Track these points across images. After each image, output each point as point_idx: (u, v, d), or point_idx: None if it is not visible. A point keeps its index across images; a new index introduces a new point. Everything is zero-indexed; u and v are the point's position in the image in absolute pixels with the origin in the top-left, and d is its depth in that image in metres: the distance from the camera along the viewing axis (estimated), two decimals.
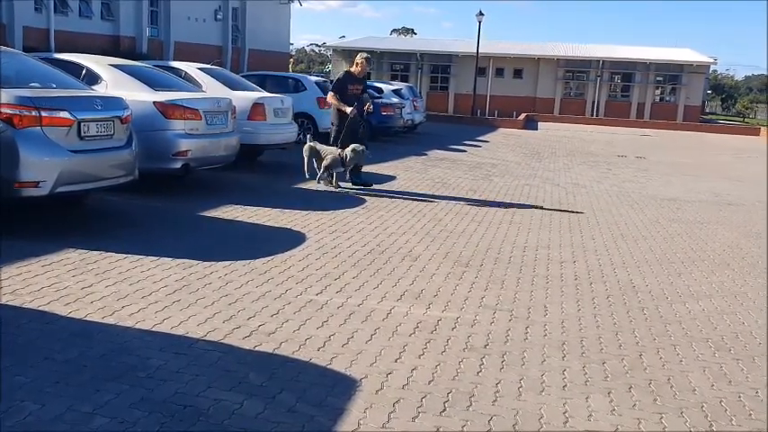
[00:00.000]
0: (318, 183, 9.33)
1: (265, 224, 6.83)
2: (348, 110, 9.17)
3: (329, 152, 9.15)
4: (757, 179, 14.39)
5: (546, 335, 4.30)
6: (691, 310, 5.01)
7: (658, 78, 39.75)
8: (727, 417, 3.33)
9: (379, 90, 18.75)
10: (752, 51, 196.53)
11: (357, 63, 9.48)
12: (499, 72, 40.45)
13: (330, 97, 9.41)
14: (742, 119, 51.51)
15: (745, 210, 10.08)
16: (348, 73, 9.64)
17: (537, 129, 27.20)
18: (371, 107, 9.77)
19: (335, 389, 3.35)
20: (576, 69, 40.29)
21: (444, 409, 3.21)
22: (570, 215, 8.58)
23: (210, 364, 3.52)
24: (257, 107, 10.18)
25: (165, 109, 7.62)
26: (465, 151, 16.97)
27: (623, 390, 3.57)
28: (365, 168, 9.89)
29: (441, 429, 3.03)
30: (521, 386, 3.52)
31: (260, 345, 3.82)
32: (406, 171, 11.91)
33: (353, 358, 3.72)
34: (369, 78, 10.24)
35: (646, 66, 39.00)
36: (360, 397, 3.28)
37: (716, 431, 3.18)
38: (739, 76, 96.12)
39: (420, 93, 30.31)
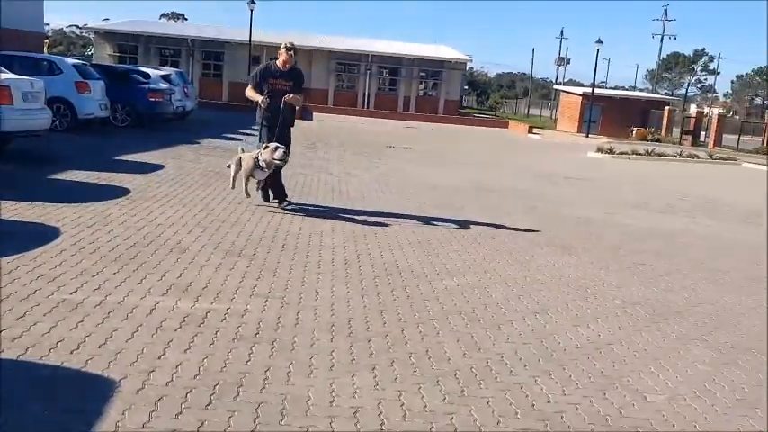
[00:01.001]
0: (247, 195, 7.96)
1: (11, 219, 6.16)
2: (258, 98, 7.68)
3: (247, 156, 7.76)
4: (512, 168, 15.91)
5: (316, 318, 4.39)
6: (447, 286, 5.41)
7: (422, 73, 42.24)
8: (476, 381, 3.64)
9: (146, 75, 17.80)
10: (500, 52, 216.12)
11: (280, 53, 7.84)
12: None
13: (247, 91, 7.96)
14: (494, 113, 56.74)
15: (498, 194, 11.10)
16: (267, 66, 8.03)
17: (312, 119, 27.59)
18: (297, 101, 7.96)
19: (91, 392, 3.13)
20: (347, 62, 41.45)
21: (210, 403, 3.14)
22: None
23: None
24: (1, 90, 9.14)
25: None
26: (240, 140, 16.70)
27: (386, 365, 3.75)
28: None
29: (205, 423, 2.96)
30: (289, 371, 3.55)
31: (1, 352, 3.44)
32: (175, 159, 11.44)
33: (112, 359, 3.49)
34: (297, 76, 8.04)
35: (410, 61, 41.25)
36: (119, 398, 3.10)
37: (467, 395, 3.46)
38: (492, 74, 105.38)
39: (192, 80, 29.28)
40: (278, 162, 7.47)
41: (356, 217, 7.92)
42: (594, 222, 9.18)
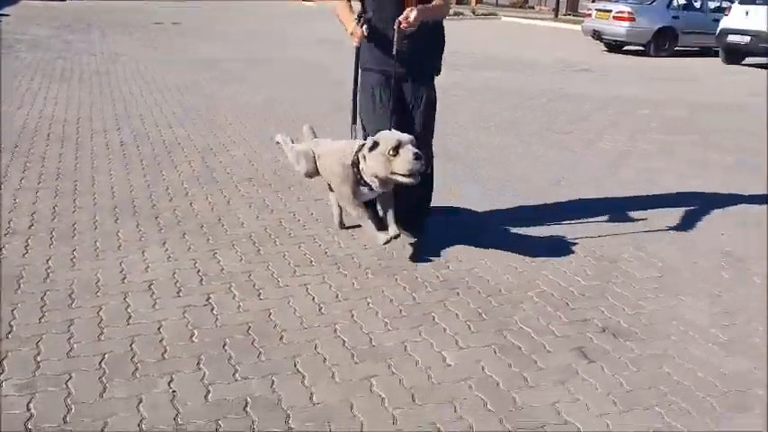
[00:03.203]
0: (342, 226, 3.93)
1: None
2: (350, 28, 3.56)
3: (330, 154, 3.57)
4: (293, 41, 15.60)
5: (96, 203, 4.16)
6: (234, 155, 5.36)
7: None
8: (271, 240, 3.73)
9: None
10: None
11: None
12: None
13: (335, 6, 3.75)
14: None
15: (275, 65, 10.91)
16: None
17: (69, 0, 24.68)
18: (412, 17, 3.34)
19: None
20: None
21: None
22: (107, 85, 8.18)
23: None
24: None
25: None
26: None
27: (178, 237, 3.70)
28: None
29: None
30: (74, 257, 3.39)
31: None
32: None
33: None
34: None
35: None
36: None
37: (263, 253, 3.54)
38: None
39: None
40: (406, 180, 3.19)
41: (126, 99, 7.42)
42: None
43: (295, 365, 2.51)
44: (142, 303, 2.94)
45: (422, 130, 3.61)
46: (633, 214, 4.38)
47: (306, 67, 10.66)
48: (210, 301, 2.99)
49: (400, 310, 2.99)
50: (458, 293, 3.18)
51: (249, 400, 2.29)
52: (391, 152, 3.14)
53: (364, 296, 3.10)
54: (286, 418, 2.21)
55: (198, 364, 2.50)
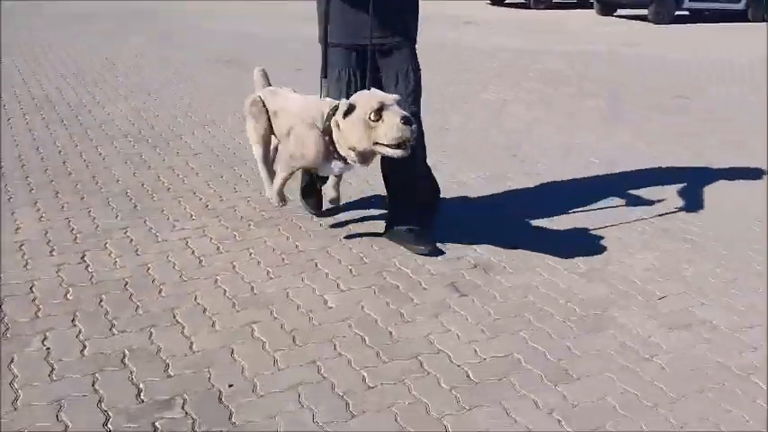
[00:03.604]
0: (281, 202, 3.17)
1: None
2: None
3: (290, 107, 2.94)
4: None
5: None
6: (110, 112, 5.16)
7: None
8: (148, 195, 3.66)
9: None
10: None
11: None
12: None
13: None
14: None
15: (160, 21, 10.46)
16: None
17: None
18: None
19: None
20: None
21: None
22: None
23: None
24: None
25: None
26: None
27: (50, 197, 3.56)
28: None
29: None
30: None
31: None
32: None
33: None
34: None
35: None
36: None
37: (140, 209, 3.47)
38: None
39: None
40: (394, 152, 2.57)
41: None
42: (258, 37, 9.23)
43: (174, 317, 2.51)
44: (12, 264, 2.83)
45: (414, 111, 2.97)
46: (509, 160, 4.58)
47: (188, 21, 10.30)
48: (85, 258, 2.92)
49: (282, 259, 3.03)
50: (340, 240, 3.25)
51: (127, 352, 2.28)
52: (372, 116, 2.50)
53: (246, 247, 3.12)
54: (165, 366, 2.22)
55: (73, 321, 2.45)
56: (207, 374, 2.20)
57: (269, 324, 2.51)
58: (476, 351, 2.39)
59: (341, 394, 2.13)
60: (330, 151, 2.72)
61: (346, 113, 2.57)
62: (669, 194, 3.95)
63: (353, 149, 2.63)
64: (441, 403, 2.11)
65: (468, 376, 2.25)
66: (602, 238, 3.39)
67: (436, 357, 2.35)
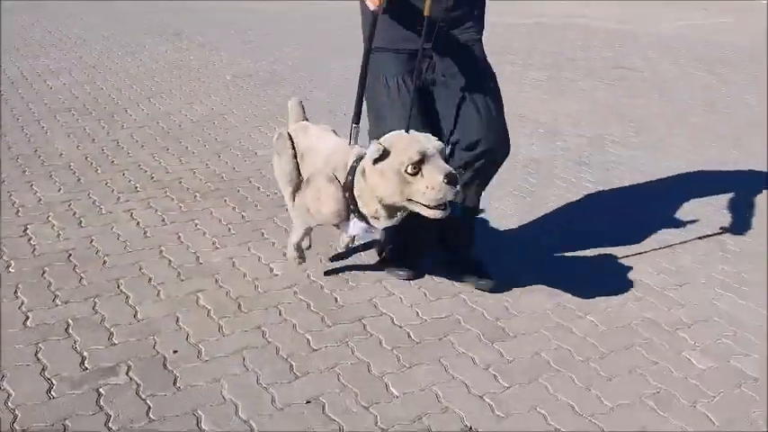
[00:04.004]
0: (299, 259, 2.70)
1: None
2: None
3: (318, 157, 2.37)
4: None
5: None
6: (52, 86, 5.05)
7: None
8: (92, 168, 3.61)
9: None
10: None
11: None
12: None
13: None
14: None
15: None
16: None
17: None
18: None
19: None
20: None
21: None
22: None
23: None
24: None
25: None
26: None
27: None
28: None
29: None
30: None
31: None
32: None
33: None
34: None
35: None
36: None
37: (84, 182, 3.43)
38: None
39: None
40: (430, 212, 2.06)
41: None
42: (200, 8, 9.08)
43: (119, 287, 2.52)
44: None
45: (499, 128, 2.50)
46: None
47: None
48: (28, 231, 2.89)
49: (229, 229, 3.04)
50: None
51: (71, 321, 2.29)
52: (410, 170, 1.99)
53: (192, 218, 3.12)
54: (109, 335, 2.23)
55: (15, 293, 2.44)
56: (152, 342, 2.22)
57: (214, 292, 2.53)
58: (417, 313, 2.46)
59: (285, 357, 2.18)
60: (350, 210, 2.23)
61: (378, 159, 2.03)
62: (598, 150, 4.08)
63: (380, 201, 2.11)
64: (382, 363, 2.18)
65: (409, 336, 2.32)
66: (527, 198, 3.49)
67: (379, 320, 2.41)
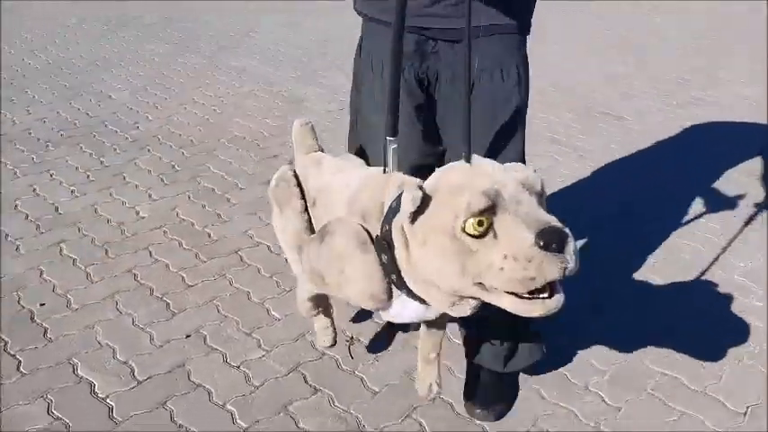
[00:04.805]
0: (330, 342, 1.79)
1: None
2: None
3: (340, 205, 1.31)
4: None
5: None
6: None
7: None
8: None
9: None
10: None
11: None
12: None
13: None
14: None
15: None
16: None
17: None
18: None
19: None
20: None
21: None
22: None
23: None
24: None
25: None
26: None
27: None
28: None
29: None
30: None
31: None
32: None
33: None
34: None
35: None
36: None
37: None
38: None
39: None
40: (524, 307, 1.04)
41: None
42: None
43: None
44: None
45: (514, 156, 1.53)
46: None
47: None
48: None
49: (87, 176, 2.89)
50: (149, 151, 3.15)
51: None
52: (473, 227, 1.03)
53: (46, 169, 2.94)
54: None
55: None
56: (15, 297, 2.11)
57: (78, 241, 2.42)
58: None
59: (160, 296, 2.13)
60: (392, 283, 1.22)
61: (416, 214, 1.09)
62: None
63: (432, 285, 1.13)
64: (262, 290, 2.18)
65: (287, 262, 2.32)
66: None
67: (256, 250, 2.40)
